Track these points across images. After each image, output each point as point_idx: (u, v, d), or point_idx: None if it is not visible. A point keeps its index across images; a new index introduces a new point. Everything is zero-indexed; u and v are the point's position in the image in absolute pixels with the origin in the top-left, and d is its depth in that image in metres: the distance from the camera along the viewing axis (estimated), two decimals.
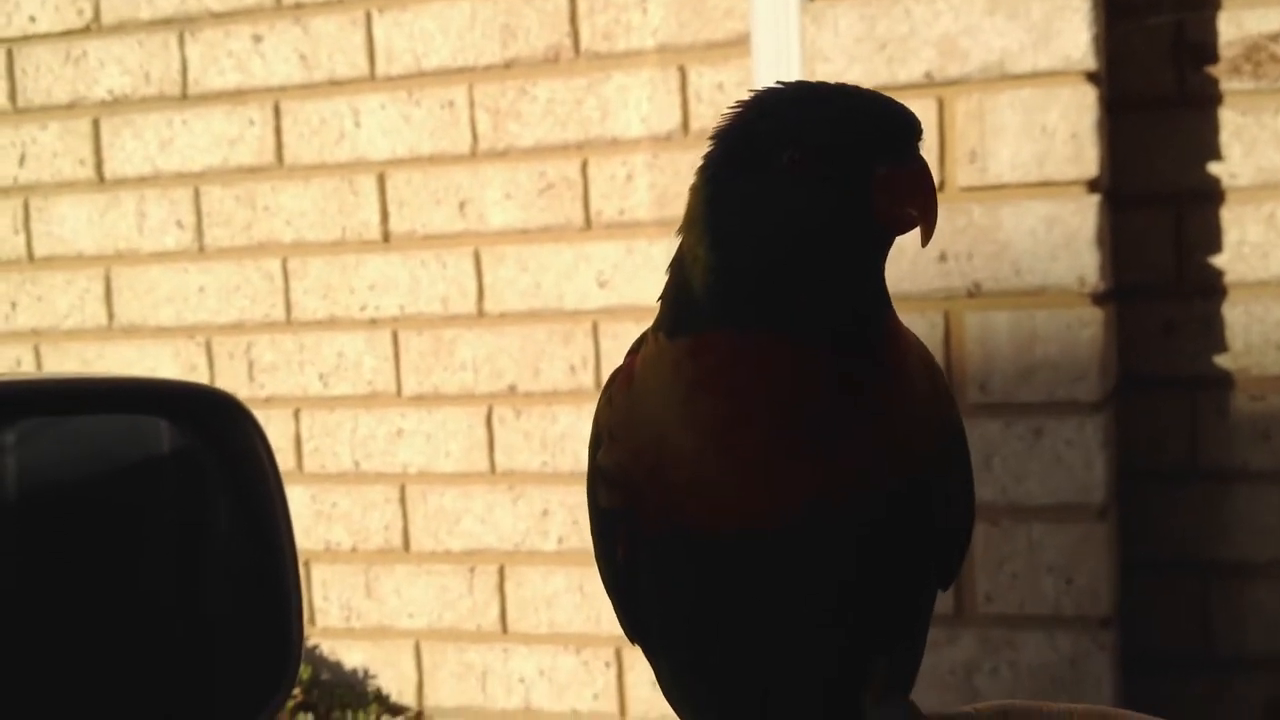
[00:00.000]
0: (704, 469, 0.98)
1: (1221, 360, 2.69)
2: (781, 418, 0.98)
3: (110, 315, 3.36)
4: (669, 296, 1.04)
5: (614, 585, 1.11)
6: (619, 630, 1.14)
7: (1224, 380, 2.69)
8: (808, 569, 1.00)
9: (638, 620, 1.11)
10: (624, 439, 1.04)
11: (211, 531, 1.31)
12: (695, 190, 1.02)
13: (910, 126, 0.98)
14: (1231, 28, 2.65)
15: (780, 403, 0.97)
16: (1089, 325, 2.48)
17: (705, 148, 1.04)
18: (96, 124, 3.34)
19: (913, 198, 0.96)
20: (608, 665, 3.02)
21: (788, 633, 1.03)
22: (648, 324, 1.08)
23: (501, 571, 3.10)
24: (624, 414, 1.04)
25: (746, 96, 1.01)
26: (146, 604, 1.29)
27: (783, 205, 0.96)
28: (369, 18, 3.11)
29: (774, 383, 0.97)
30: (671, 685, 1.12)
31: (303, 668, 3.15)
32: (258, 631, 1.25)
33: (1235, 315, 2.68)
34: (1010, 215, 2.46)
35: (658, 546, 1.03)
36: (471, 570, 3.12)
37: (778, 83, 1.01)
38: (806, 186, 0.96)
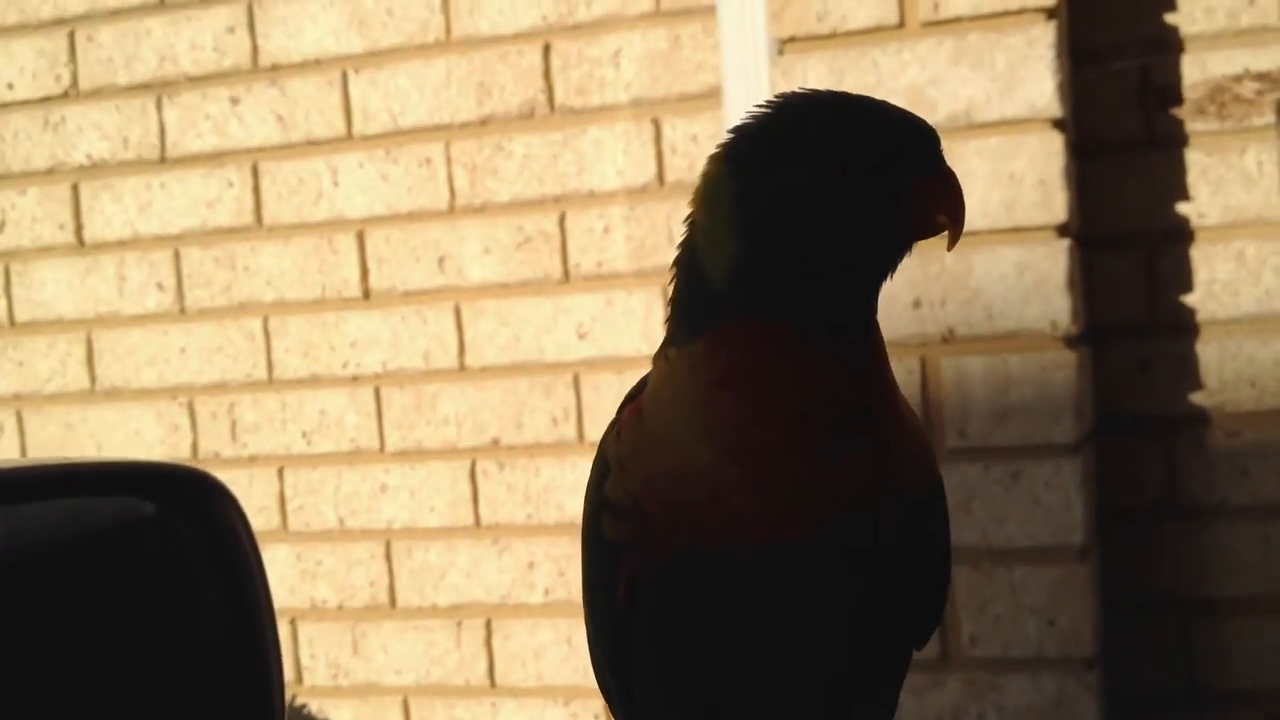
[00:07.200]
0: (724, 479, 1.00)
1: (1197, 398, 2.72)
2: (803, 418, 1.00)
3: (92, 378, 3.37)
4: (678, 303, 1.07)
5: (608, 627, 1.10)
6: None
7: (1200, 418, 2.71)
8: (819, 587, 1.01)
9: (622, 667, 1.10)
10: (635, 466, 1.05)
11: (191, 608, 1.32)
12: (715, 179, 1.05)
13: (935, 136, 1.04)
14: (1195, 70, 2.69)
15: (802, 402, 1.00)
16: (1063, 368, 2.50)
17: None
18: (76, 189, 3.36)
19: (947, 204, 1.02)
20: (596, 717, 3.01)
21: (791, 656, 1.03)
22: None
23: (488, 625, 3.10)
24: (635, 442, 1.06)
25: (771, 100, 1.05)
26: (126, 682, 1.29)
27: (826, 207, 1.00)
28: (345, 78, 3.14)
29: (795, 379, 1.00)
30: None
31: None
32: (239, 709, 1.26)
33: (1209, 353, 2.70)
34: (981, 262, 2.49)
35: (665, 575, 1.03)
36: (458, 625, 3.12)
37: (799, 90, 1.05)
38: (849, 191, 1.00)
